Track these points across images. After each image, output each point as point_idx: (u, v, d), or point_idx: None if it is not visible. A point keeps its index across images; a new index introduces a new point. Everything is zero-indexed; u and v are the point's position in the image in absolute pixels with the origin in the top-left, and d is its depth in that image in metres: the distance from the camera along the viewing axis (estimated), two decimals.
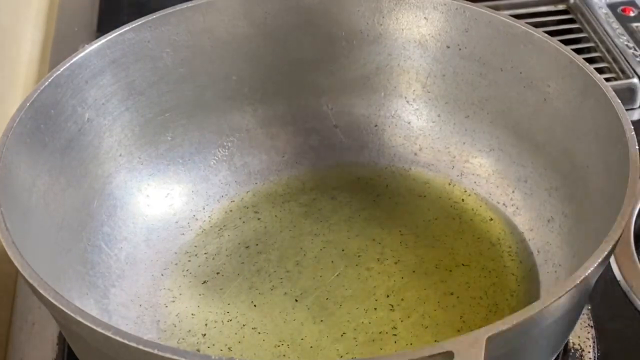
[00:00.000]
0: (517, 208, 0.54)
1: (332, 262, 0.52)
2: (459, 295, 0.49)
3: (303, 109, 0.59)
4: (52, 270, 0.43)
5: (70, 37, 0.76)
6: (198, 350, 0.47)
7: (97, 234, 0.50)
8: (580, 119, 0.48)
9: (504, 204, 0.55)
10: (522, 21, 0.52)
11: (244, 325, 0.48)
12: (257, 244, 0.53)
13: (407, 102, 0.58)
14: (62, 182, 0.48)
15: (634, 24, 0.74)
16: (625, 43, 0.71)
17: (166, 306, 0.50)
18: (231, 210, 0.56)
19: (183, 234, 0.54)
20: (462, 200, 0.56)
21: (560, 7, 0.77)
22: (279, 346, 0.47)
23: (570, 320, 0.44)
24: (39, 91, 0.47)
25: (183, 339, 0.48)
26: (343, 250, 0.52)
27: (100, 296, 0.48)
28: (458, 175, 0.57)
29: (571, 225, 0.49)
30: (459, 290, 0.50)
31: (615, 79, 0.68)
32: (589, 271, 0.36)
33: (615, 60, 0.70)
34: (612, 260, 0.53)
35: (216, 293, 0.50)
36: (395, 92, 0.58)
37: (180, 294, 0.50)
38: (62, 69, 0.49)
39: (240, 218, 0.55)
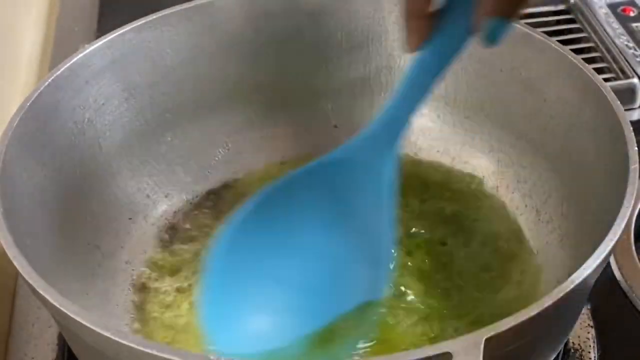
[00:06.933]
0: (516, 208, 0.54)
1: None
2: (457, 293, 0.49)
3: (303, 109, 0.59)
4: (52, 271, 0.43)
5: (70, 37, 0.76)
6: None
7: (96, 235, 0.50)
8: (579, 120, 0.48)
9: (503, 205, 0.55)
10: (522, 21, 0.52)
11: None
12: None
13: None
14: (61, 182, 0.48)
15: (634, 24, 0.74)
16: (625, 43, 0.71)
17: (166, 306, 0.50)
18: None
19: (183, 234, 0.54)
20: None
21: (560, 7, 0.77)
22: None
23: (569, 320, 0.44)
24: (39, 91, 0.47)
25: (183, 339, 0.48)
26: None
27: (101, 297, 0.48)
28: (458, 176, 0.57)
29: (571, 225, 0.50)
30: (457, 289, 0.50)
31: (615, 79, 0.68)
32: (589, 271, 0.36)
33: (615, 60, 0.70)
34: (612, 260, 0.53)
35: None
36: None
37: (182, 294, 0.50)
38: (62, 69, 0.49)
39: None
